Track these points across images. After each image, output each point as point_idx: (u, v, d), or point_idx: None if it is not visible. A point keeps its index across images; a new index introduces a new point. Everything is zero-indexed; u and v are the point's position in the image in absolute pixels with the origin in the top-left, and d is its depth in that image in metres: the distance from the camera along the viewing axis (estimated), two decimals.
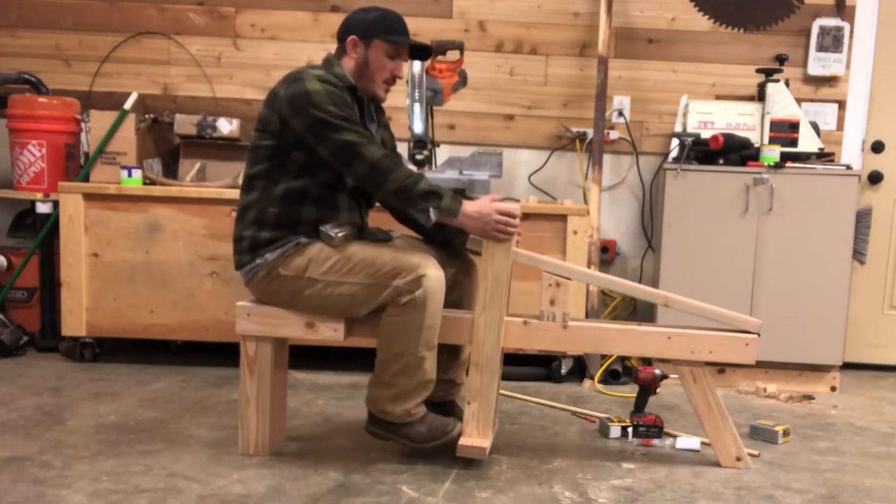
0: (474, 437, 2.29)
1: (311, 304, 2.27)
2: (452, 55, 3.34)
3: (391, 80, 2.38)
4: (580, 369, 3.50)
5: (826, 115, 3.81)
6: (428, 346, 2.22)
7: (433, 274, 2.17)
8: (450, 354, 2.52)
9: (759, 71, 3.55)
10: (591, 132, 3.75)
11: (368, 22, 2.33)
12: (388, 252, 2.22)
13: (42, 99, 3.59)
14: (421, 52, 2.45)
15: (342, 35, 2.36)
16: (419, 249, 2.36)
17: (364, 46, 2.33)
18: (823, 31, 3.74)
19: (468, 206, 2.23)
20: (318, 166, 2.27)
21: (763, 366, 3.40)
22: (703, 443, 2.59)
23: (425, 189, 2.19)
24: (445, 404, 2.58)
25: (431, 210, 2.20)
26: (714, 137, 3.33)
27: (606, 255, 3.84)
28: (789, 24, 3.76)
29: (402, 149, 3.46)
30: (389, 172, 2.18)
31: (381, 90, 2.38)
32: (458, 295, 2.48)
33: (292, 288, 2.25)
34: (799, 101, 3.69)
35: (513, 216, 2.24)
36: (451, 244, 2.44)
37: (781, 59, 3.67)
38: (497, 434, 2.64)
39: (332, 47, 2.46)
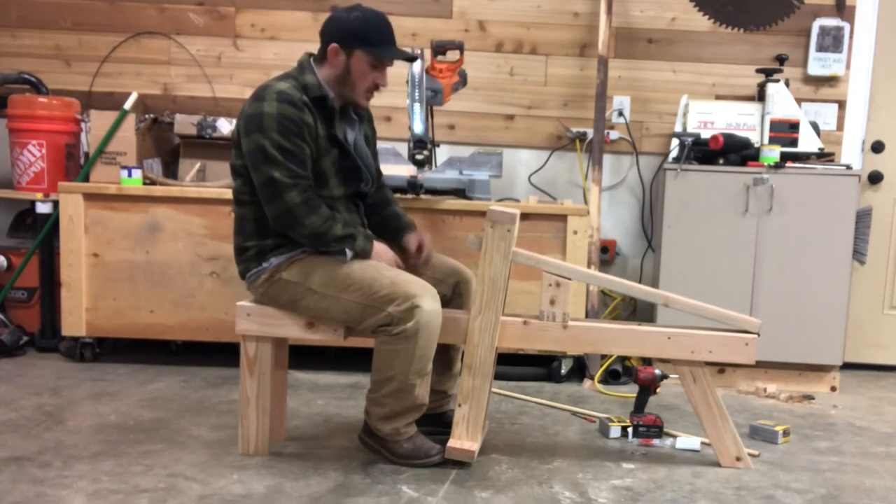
0: (463, 439, 2.29)
1: (308, 314, 2.27)
2: (452, 55, 3.33)
3: (374, 89, 2.32)
4: (580, 369, 3.50)
5: (826, 115, 3.81)
6: (419, 374, 2.21)
7: (428, 306, 2.16)
8: (443, 366, 2.51)
9: (759, 71, 3.55)
10: (591, 132, 3.75)
11: (351, 28, 2.23)
12: (389, 276, 2.20)
13: (42, 99, 3.59)
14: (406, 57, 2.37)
15: (324, 39, 2.27)
16: (423, 274, 2.35)
17: (346, 56, 2.25)
18: (823, 31, 3.74)
19: (377, 246, 2.32)
20: None
21: (763, 366, 3.40)
22: (703, 443, 2.59)
23: (340, 234, 2.22)
24: (436, 416, 2.56)
25: (347, 251, 2.24)
26: (714, 137, 3.33)
27: (606, 255, 3.83)
28: (789, 24, 3.75)
29: (402, 149, 3.47)
30: (304, 218, 2.18)
31: (362, 99, 2.32)
32: (458, 304, 2.48)
33: (291, 293, 2.25)
34: (799, 101, 3.69)
35: (398, 265, 2.36)
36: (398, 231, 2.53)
37: (781, 59, 3.67)
38: (497, 434, 2.64)
39: None
